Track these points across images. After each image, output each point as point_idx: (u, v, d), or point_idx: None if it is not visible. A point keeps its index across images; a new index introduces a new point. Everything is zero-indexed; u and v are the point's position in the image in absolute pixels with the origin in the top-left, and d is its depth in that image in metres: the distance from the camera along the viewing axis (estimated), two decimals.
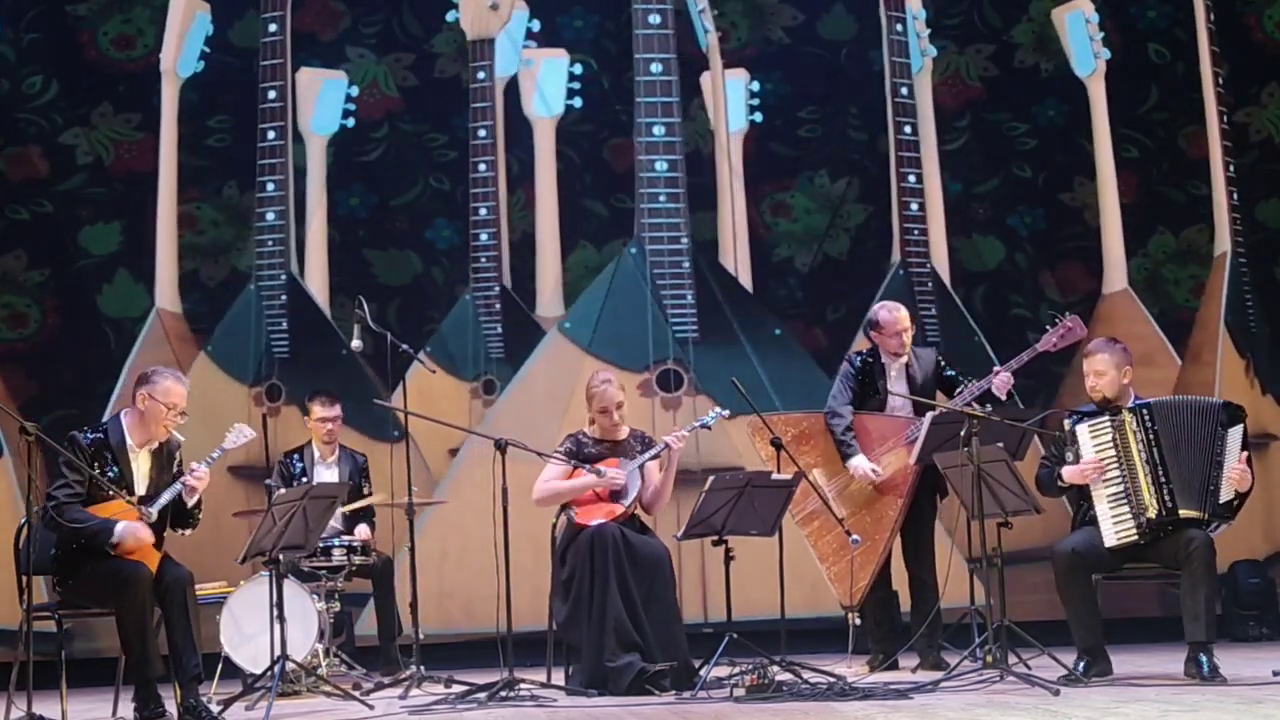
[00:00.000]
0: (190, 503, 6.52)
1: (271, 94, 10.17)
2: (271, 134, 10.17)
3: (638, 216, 10.14)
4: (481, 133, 10.30)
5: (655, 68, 10.12)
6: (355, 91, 10.38)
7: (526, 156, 10.45)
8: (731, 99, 10.53)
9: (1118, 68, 10.79)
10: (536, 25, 10.50)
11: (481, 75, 10.32)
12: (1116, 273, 10.67)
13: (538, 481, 7.37)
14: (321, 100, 10.34)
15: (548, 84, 10.43)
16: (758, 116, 10.60)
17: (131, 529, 6.30)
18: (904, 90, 10.54)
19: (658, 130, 10.11)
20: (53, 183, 10.17)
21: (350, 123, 10.37)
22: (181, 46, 10.20)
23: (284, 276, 10.14)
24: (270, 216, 10.16)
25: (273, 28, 10.24)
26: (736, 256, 10.40)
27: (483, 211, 10.28)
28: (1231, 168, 10.69)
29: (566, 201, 10.50)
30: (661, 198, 10.12)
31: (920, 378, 7.96)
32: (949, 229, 10.67)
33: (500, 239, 10.29)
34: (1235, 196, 10.71)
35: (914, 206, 10.52)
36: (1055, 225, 10.79)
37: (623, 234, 10.49)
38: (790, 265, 10.58)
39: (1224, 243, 10.68)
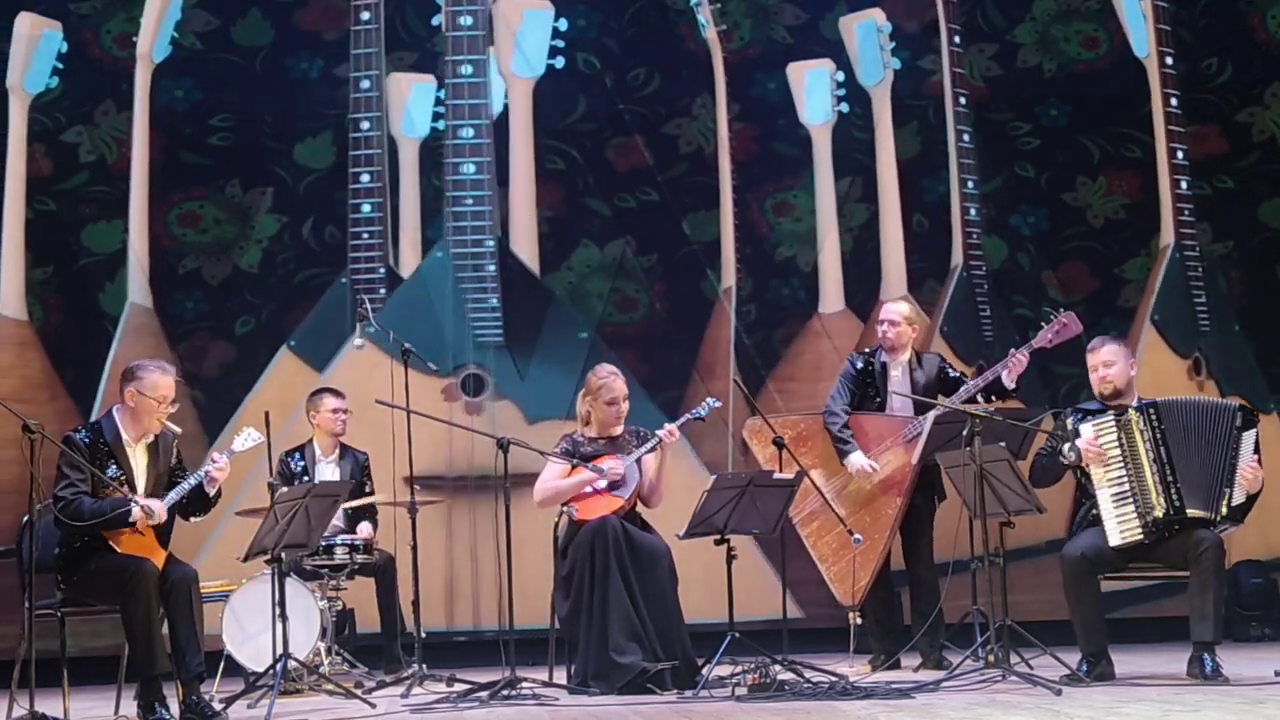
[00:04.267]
0: (211, 493, 6.56)
1: (365, 83, 10.16)
2: (365, 124, 10.16)
3: (445, 219, 10.13)
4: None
5: (466, 69, 10.12)
6: (444, 94, 10.38)
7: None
8: (817, 91, 10.57)
9: (1118, 68, 10.80)
10: (564, 25, 10.50)
11: None
12: None
13: (537, 484, 7.38)
14: (411, 104, 10.35)
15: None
16: (844, 107, 10.62)
17: (148, 504, 6.35)
18: (962, 100, 10.57)
19: (466, 133, 10.11)
20: (55, 181, 10.16)
21: (441, 125, 10.37)
22: (158, 31, 10.19)
23: (383, 270, 10.13)
24: (366, 209, 10.15)
25: (365, 15, 10.22)
26: (827, 252, 10.41)
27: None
28: (1179, 154, 10.66)
29: (568, 201, 10.51)
30: (469, 200, 10.10)
31: (923, 381, 7.98)
32: (951, 228, 10.69)
33: None
34: (1184, 185, 10.67)
35: (972, 212, 10.55)
36: (1058, 225, 10.79)
37: (625, 233, 10.50)
38: (793, 264, 10.59)
39: (1168, 235, 10.65)
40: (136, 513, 6.33)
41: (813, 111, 10.62)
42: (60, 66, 10.14)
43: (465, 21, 10.16)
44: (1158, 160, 10.68)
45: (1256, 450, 6.87)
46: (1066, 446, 6.91)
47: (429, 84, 10.38)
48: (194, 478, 6.52)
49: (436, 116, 10.35)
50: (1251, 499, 6.87)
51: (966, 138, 10.62)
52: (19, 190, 10.03)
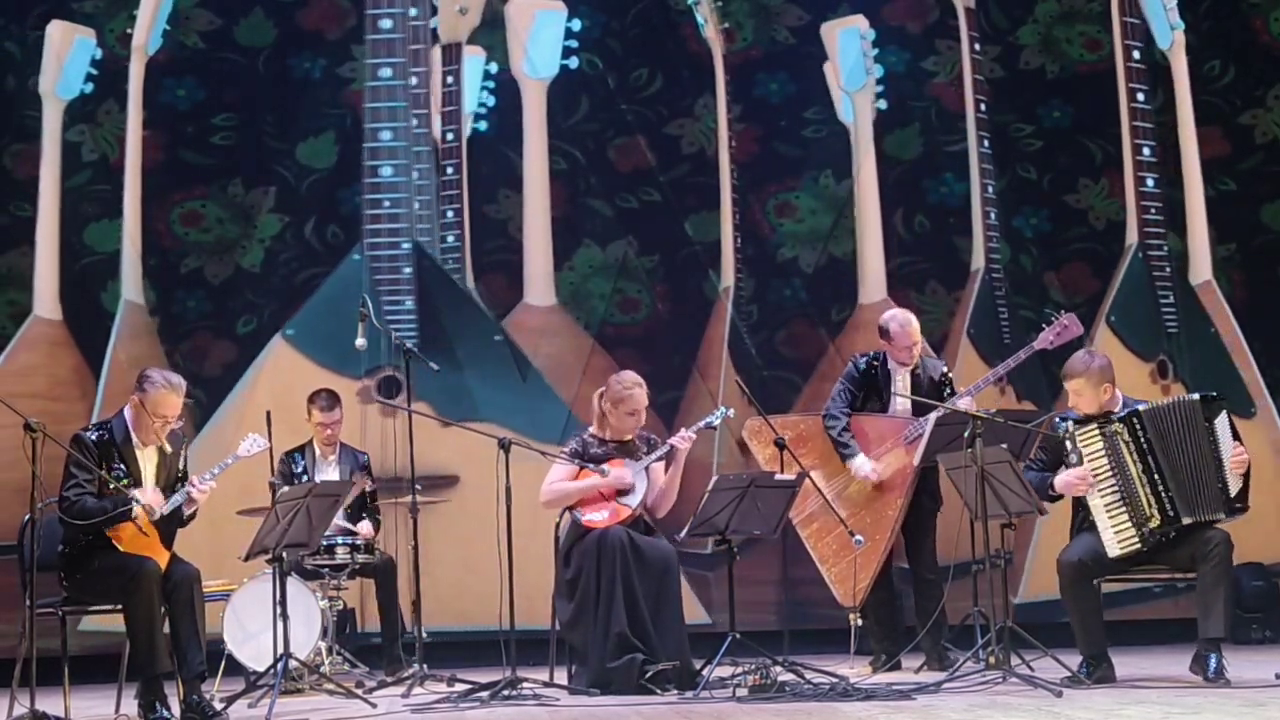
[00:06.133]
0: (188, 512, 6.57)
1: (414, 80, 10.18)
2: (414, 120, 10.19)
3: (363, 222, 10.15)
4: (450, 136, 10.32)
5: (384, 72, 10.15)
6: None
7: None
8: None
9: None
10: (577, 25, 10.52)
11: (450, 80, 10.33)
12: (1201, 264, 10.65)
13: (544, 484, 7.36)
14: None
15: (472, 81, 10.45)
16: (882, 104, 10.65)
17: (148, 504, 6.37)
18: (983, 106, 10.58)
19: (385, 135, 10.13)
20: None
21: (482, 126, 10.40)
22: (153, 24, 10.21)
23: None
24: (415, 206, 10.17)
25: (414, 11, 10.24)
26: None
27: (449, 214, 10.31)
28: (1145, 150, 10.64)
29: (571, 201, 10.52)
30: (386, 203, 10.12)
31: (925, 383, 7.97)
32: (954, 229, 10.70)
33: (464, 240, 10.32)
34: (1150, 182, 10.65)
35: (992, 216, 10.58)
36: (1060, 227, 10.79)
37: (627, 234, 10.51)
38: (795, 265, 10.59)
39: (1132, 234, 10.63)
40: (137, 510, 6.34)
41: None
42: (94, 73, 10.17)
43: (385, 25, 10.18)
44: (1123, 157, 10.68)
45: (1236, 436, 6.86)
46: (1058, 480, 6.91)
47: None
48: (179, 493, 6.52)
49: (476, 117, 10.38)
50: (1246, 479, 6.84)
51: (986, 143, 10.62)
52: (53, 194, 10.07)
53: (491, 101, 10.42)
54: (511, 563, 6.96)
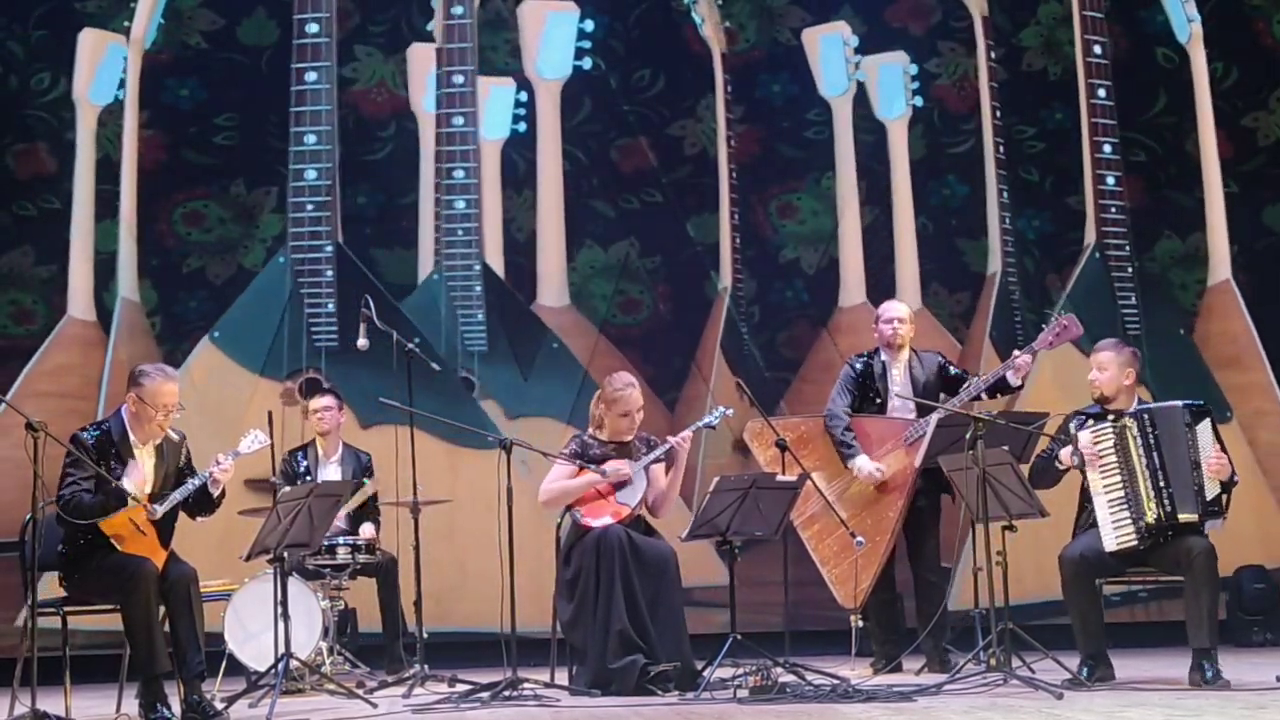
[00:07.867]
0: (215, 493, 6.59)
1: (458, 79, 10.19)
2: (460, 120, 10.20)
3: (288, 225, 10.16)
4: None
5: (310, 76, 10.17)
6: (524, 97, 10.41)
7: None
8: (889, 84, 10.64)
9: (1125, 71, 10.81)
10: (590, 26, 10.51)
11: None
12: (1220, 264, 10.66)
13: (544, 483, 7.36)
14: (490, 106, 10.38)
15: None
16: (919, 101, 10.64)
17: (132, 476, 6.38)
18: (998, 112, 10.59)
19: (310, 139, 10.15)
20: (60, 179, 10.18)
21: (522, 128, 10.42)
22: (150, 17, 10.23)
23: (477, 267, 10.21)
24: (460, 205, 10.19)
25: (458, 10, 10.26)
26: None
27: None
28: (1106, 148, 10.64)
29: (573, 202, 10.52)
30: (309, 206, 10.14)
31: (924, 379, 7.97)
32: (956, 231, 10.70)
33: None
34: (1110, 180, 10.63)
35: (1007, 220, 10.60)
36: (1061, 229, 10.80)
37: (629, 235, 10.51)
38: (797, 266, 10.60)
39: (1090, 234, 10.62)
40: (132, 489, 6.33)
41: (886, 106, 10.65)
42: (125, 78, 10.18)
43: (312, 29, 10.19)
44: (1083, 155, 10.67)
45: (1218, 440, 6.88)
46: (1064, 451, 6.94)
47: (508, 87, 10.42)
48: (197, 479, 6.54)
49: (517, 119, 10.41)
50: (1226, 488, 6.85)
51: (1002, 149, 10.62)
52: (88, 197, 10.11)
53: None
54: (513, 563, 6.96)
